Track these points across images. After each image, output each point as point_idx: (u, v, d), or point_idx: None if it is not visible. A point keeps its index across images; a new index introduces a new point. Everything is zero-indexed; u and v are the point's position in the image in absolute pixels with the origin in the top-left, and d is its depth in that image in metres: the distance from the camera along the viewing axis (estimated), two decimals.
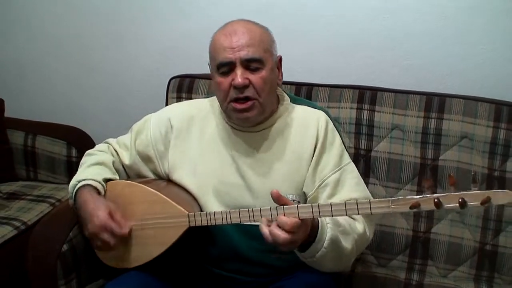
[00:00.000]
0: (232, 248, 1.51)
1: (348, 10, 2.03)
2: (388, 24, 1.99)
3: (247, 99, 1.42)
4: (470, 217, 1.80)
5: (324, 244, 1.30)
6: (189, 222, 1.42)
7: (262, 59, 1.42)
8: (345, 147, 1.57)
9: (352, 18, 2.03)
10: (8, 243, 2.00)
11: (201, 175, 1.53)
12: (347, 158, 1.54)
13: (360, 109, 1.89)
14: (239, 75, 1.40)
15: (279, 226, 1.21)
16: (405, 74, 2.01)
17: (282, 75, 1.54)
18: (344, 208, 1.20)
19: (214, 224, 1.38)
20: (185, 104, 1.68)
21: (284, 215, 1.22)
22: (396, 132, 1.86)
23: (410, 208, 1.12)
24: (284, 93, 1.61)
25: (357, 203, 1.19)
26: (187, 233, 1.44)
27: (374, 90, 1.89)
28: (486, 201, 1.05)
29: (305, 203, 1.49)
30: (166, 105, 2.09)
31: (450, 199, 1.09)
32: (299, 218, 1.21)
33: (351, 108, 1.90)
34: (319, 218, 1.29)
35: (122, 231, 1.44)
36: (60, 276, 1.60)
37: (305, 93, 1.95)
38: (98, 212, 1.44)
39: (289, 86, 1.97)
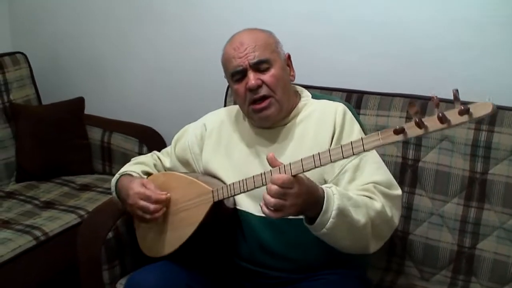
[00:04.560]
0: (258, 241, 1.57)
1: (400, 18, 2.01)
2: (443, 34, 1.95)
3: (263, 98, 1.53)
4: None
5: (332, 214, 1.31)
6: (213, 197, 1.51)
7: (269, 59, 1.53)
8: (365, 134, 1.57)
9: (408, 28, 2.01)
10: (70, 229, 2.18)
11: (230, 170, 1.62)
12: None
13: (410, 119, 1.84)
14: (252, 78, 1.52)
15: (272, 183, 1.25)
16: (455, 85, 1.93)
17: (294, 72, 1.64)
18: (329, 154, 1.24)
19: (234, 193, 1.46)
20: (218, 111, 1.82)
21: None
22: (446, 143, 1.81)
23: (394, 133, 1.16)
24: (304, 90, 1.69)
25: (351, 143, 1.21)
26: (214, 211, 1.52)
27: (425, 100, 1.85)
28: (464, 112, 1.03)
29: None
30: None
31: (433, 120, 1.10)
32: (291, 175, 1.25)
33: (400, 117, 1.87)
34: (325, 190, 1.32)
35: (157, 196, 1.57)
36: (104, 261, 1.73)
37: (355, 100, 1.95)
38: (132, 185, 1.61)
39: (340, 93, 1.98)
